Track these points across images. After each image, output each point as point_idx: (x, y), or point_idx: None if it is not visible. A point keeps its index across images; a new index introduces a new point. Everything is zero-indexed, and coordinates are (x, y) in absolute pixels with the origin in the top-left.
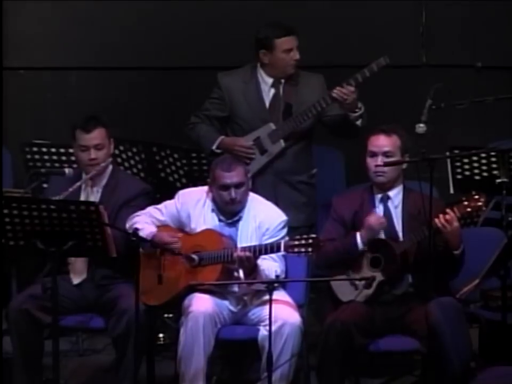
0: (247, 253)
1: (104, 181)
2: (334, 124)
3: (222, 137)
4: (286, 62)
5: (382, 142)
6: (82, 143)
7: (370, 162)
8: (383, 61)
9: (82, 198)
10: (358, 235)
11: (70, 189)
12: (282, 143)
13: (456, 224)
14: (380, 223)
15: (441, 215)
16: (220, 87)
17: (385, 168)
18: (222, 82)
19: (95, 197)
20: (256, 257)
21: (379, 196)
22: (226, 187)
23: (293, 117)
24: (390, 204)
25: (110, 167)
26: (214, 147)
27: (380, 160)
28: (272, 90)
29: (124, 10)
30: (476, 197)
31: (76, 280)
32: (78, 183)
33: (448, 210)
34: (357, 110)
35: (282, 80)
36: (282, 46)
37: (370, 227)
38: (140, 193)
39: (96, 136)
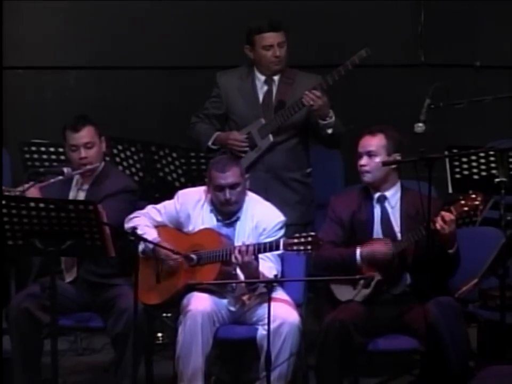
0: (246, 258)
1: (93, 178)
2: (313, 131)
3: (218, 133)
4: (267, 59)
5: (366, 142)
6: (71, 143)
7: (359, 162)
8: (365, 52)
9: (71, 196)
10: (358, 252)
11: (52, 180)
12: (271, 137)
13: (454, 226)
14: (386, 250)
15: (439, 218)
16: (218, 85)
17: (368, 167)
18: (219, 81)
19: (84, 195)
20: (256, 258)
21: (376, 196)
22: (221, 188)
23: (280, 112)
24: (386, 204)
25: (102, 163)
26: (209, 143)
27: (364, 160)
28: (265, 87)
29: (123, 10)
30: (473, 196)
31: (67, 278)
32: (59, 177)
33: (447, 213)
34: (327, 119)
35: (275, 78)
36: (262, 42)
37: (376, 253)
38: (121, 190)
39: (85, 134)
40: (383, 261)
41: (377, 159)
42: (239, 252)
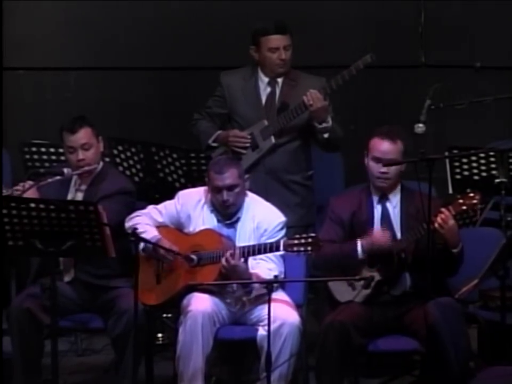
0: (232, 262)
1: (91, 179)
2: (313, 133)
3: (219, 131)
4: (272, 61)
5: (387, 149)
6: (69, 144)
7: (374, 167)
8: (369, 58)
9: (69, 197)
10: (359, 243)
11: (50, 180)
12: (272, 139)
13: (451, 222)
14: (386, 239)
15: (438, 217)
16: (222, 85)
17: (389, 175)
18: (223, 80)
19: (82, 195)
20: (245, 261)
21: (377, 196)
22: (218, 189)
23: (283, 114)
24: (388, 204)
25: (101, 164)
26: (210, 141)
27: (385, 167)
28: (268, 89)
29: (123, 10)
30: (471, 194)
31: (66, 278)
32: (57, 177)
33: (443, 209)
34: (323, 124)
35: (279, 79)
36: (268, 45)
37: (376, 242)
38: (117, 191)
39: (82, 136)
40: (384, 250)
41: (397, 166)
42: (225, 259)
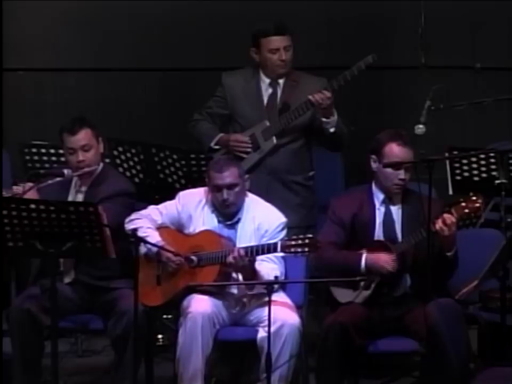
0: (242, 257)
1: (91, 180)
2: (317, 133)
3: (221, 134)
4: (272, 62)
5: (407, 156)
6: (69, 146)
7: (392, 174)
8: (371, 58)
9: (69, 198)
10: (363, 258)
11: (50, 181)
12: (274, 140)
13: (454, 228)
14: (390, 265)
15: (440, 220)
16: (223, 85)
17: (406, 181)
18: (224, 81)
19: (82, 196)
20: (253, 260)
21: (380, 197)
22: (218, 188)
23: (285, 114)
24: (391, 205)
25: (101, 165)
26: (212, 144)
27: (403, 174)
28: (270, 90)
29: (123, 10)
30: (474, 198)
31: (66, 280)
32: (57, 178)
33: (448, 215)
34: (330, 117)
35: (280, 80)
36: (268, 46)
37: (379, 264)
38: (118, 193)
39: (82, 137)
40: (385, 272)
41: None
42: (234, 257)
